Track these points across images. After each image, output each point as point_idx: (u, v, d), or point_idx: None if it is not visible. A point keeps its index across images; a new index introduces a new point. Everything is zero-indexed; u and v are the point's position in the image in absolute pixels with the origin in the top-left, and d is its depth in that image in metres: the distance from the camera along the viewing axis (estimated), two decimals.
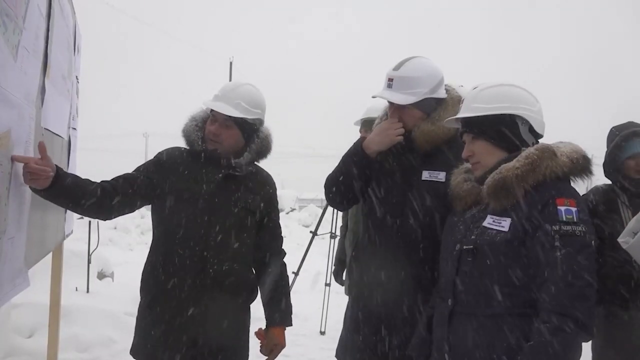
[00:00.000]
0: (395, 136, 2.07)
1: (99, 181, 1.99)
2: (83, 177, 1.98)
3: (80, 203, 1.88)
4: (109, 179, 2.04)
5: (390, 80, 2.05)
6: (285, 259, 2.29)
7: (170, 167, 2.09)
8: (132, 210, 2.08)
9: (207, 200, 2.05)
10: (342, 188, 2.15)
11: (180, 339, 2.02)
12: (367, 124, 3.64)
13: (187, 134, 2.13)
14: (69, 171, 3.03)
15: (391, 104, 2.09)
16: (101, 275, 5.82)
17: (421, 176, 2.06)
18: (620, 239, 2.46)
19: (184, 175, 2.07)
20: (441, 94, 2.09)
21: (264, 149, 2.19)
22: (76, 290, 4.78)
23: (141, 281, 2.13)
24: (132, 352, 2.13)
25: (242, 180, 2.12)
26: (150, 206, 2.17)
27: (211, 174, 2.08)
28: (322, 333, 5.26)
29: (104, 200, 1.93)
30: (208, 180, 2.07)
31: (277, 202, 2.28)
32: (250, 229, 2.14)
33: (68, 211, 3.15)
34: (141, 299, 2.13)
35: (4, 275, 1.51)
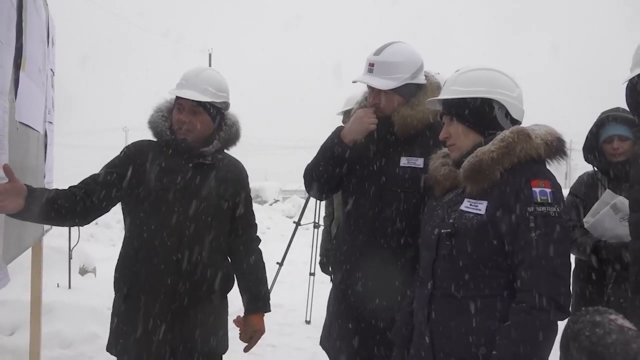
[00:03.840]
0: (369, 124, 2.07)
1: (67, 188, 1.97)
2: (65, 173, 1.96)
3: (56, 217, 1.88)
4: (77, 183, 2.02)
5: (371, 65, 2.06)
6: (260, 246, 2.29)
7: (139, 160, 2.06)
8: (108, 209, 2.06)
9: (178, 190, 2.03)
10: (321, 178, 2.16)
11: (157, 332, 2.00)
12: (348, 114, 3.66)
13: (154, 125, 2.11)
14: (47, 165, 3.00)
15: (371, 89, 2.10)
16: (83, 271, 5.76)
17: (399, 162, 2.07)
18: (584, 219, 2.54)
19: (153, 167, 2.05)
20: (421, 79, 2.10)
21: (233, 136, 2.18)
22: (58, 286, 4.73)
23: (115, 276, 2.10)
24: (109, 348, 2.10)
25: (213, 169, 2.11)
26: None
27: (181, 164, 2.06)
28: (308, 322, 5.29)
29: (78, 207, 1.92)
30: (178, 171, 2.05)
31: (249, 189, 2.28)
32: (224, 217, 2.13)
33: None
34: (115, 293, 2.10)
35: None
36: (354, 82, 2.12)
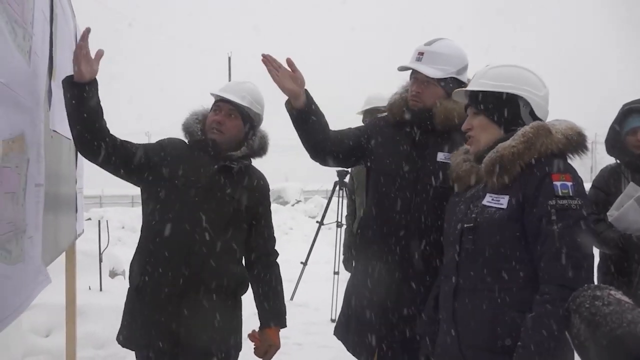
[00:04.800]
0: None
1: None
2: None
3: (99, 122, 1.96)
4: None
5: (421, 54, 2.10)
6: (284, 246, 2.31)
7: (170, 153, 2.12)
8: (118, 168, 2.06)
9: (199, 190, 2.07)
10: (306, 145, 2.22)
11: (164, 331, 2.02)
12: (368, 114, 3.68)
13: (187, 125, 2.18)
14: (78, 171, 3.10)
15: (415, 78, 2.12)
16: (113, 274, 5.90)
17: (436, 157, 2.09)
18: (608, 213, 2.52)
19: (180, 162, 2.10)
20: (464, 78, 2.12)
21: (261, 148, 2.22)
22: (89, 289, 4.86)
23: (130, 269, 2.14)
24: (117, 337, 2.12)
25: (236, 175, 2.14)
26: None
27: (207, 164, 2.11)
28: (333, 321, 5.31)
29: (111, 135, 2.01)
30: (202, 171, 2.10)
31: (269, 204, 2.28)
32: (240, 223, 2.15)
33: (79, 211, 3.21)
34: (129, 286, 2.13)
35: (28, 273, 1.57)
36: (399, 68, 2.14)
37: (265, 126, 2.30)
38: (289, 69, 2.13)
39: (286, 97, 2.16)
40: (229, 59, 22.54)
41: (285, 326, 2.22)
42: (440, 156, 2.08)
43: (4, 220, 1.30)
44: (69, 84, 1.90)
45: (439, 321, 1.84)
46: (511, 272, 1.63)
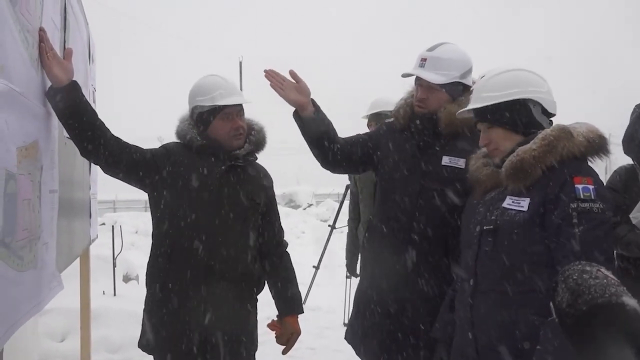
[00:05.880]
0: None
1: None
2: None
3: (97, 121, 1.89)
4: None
5: (424, 60, 2.10)
6: (296, 250, 2.33)
7: (176, 158, 2.11)
8: (118, 169, 2.01)
9: (212, 191, 2.07)
10: (315, 150, 2.24)
11: (189, 330, 2.04)
12: (374, 118, 3.65)
13: (183, 132, 2.15)
14: (92, 177, 3.13)
15: (420, 84, 2.12)
16: (126, 278, 5.94)
17: (441, 161, 2.09)
18: (631, 215, 2.48)
19: (188, 167, 2.09)
20: (469, 81, 2.12)
21: (261, 140, 2.24)
22: (103, 293, 4.89)
23: (147, 274, 2.15)
24: (141, 345, 2.13)
25: (244, 172, 2.16)
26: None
27: (213, 166, 2.11)
28: (346, 325, 5.31)
29: (112, 135, 1.95)
30: (211, 172, 2.10)
31: (274, 195, 2.32)
32: (254, 219, 2.18)
33: (92, 217, 3.24)
34: (148, 291, 2.14)
35: (43, 279, 1.58)
36: (403, 75, 2.15)
37: (276, 129, 2.31)
38: (293, 81, 2.14)
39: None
40: (240, 63, 22.64)
41: (303, 312, 2.27)
42: (446, 160, 2.08)
43: (20, 227, 1.32)
44: (51, 91, 1.74)
45: (454, 323, 1.82)
46: (530, 275, 1.61)
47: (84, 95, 1.84)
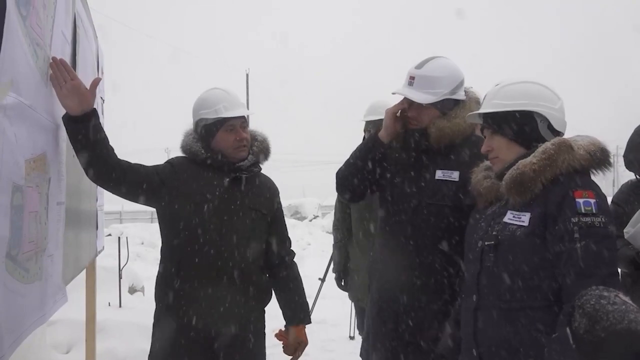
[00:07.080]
0: (393, 112, 2.12)
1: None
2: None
3: (109, 147, 1.94)
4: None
5: (412, 78, 2.09)
6: (301, 262, 2.34)
7: (179, 173, 2.13)
8: (136, 196, 2.08)
9: (218, 205, 2.09)
10: (355, 179, 2.18)
11: (198, 342, 2.06)
12: (371, 124, 3.62)
13: (188, 146, 2.18)
14: (99, 188, 3.14)
15: (410, 101, 2.12)
16: (132, 290, 5.94)
17: (435, 175, 2.08)
18: (625, 230, 2.47)
19: (192, 181, 2.12)
20: (460, 95, 2.11)
21: (265, 150, 2.26)
22: (109, 305, 4.89)
23: (156, 289, 2.16)
24: (152, 357, 2.15)
25: (249, 183, 2.18)
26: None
27: (219, 178, 2.13)
28: (352, 338, 5.26)
29: (120, 160, 2.00)
30: (217, 185, 2.12)
31: (281, 204, 2.34)
32: (262, 230, 2.20)
33: (99, 229, 3.25)
34: (157, 305, 2.16)
35: (47, 291, 1.58)
36: (393, 93, 2.15)
37: (284, 142, 2.32)
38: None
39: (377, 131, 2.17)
40: (247, 75, 22.80)
41: (310, 322, 2.28)
42: (439, 174, 2.08)
43: (25, 240, 1.32)
44: (66, 120, 1.78)
45: (460, 339, 1.80)
46: (532, 291, 1.60)
47: (95, 128, 1.85)
